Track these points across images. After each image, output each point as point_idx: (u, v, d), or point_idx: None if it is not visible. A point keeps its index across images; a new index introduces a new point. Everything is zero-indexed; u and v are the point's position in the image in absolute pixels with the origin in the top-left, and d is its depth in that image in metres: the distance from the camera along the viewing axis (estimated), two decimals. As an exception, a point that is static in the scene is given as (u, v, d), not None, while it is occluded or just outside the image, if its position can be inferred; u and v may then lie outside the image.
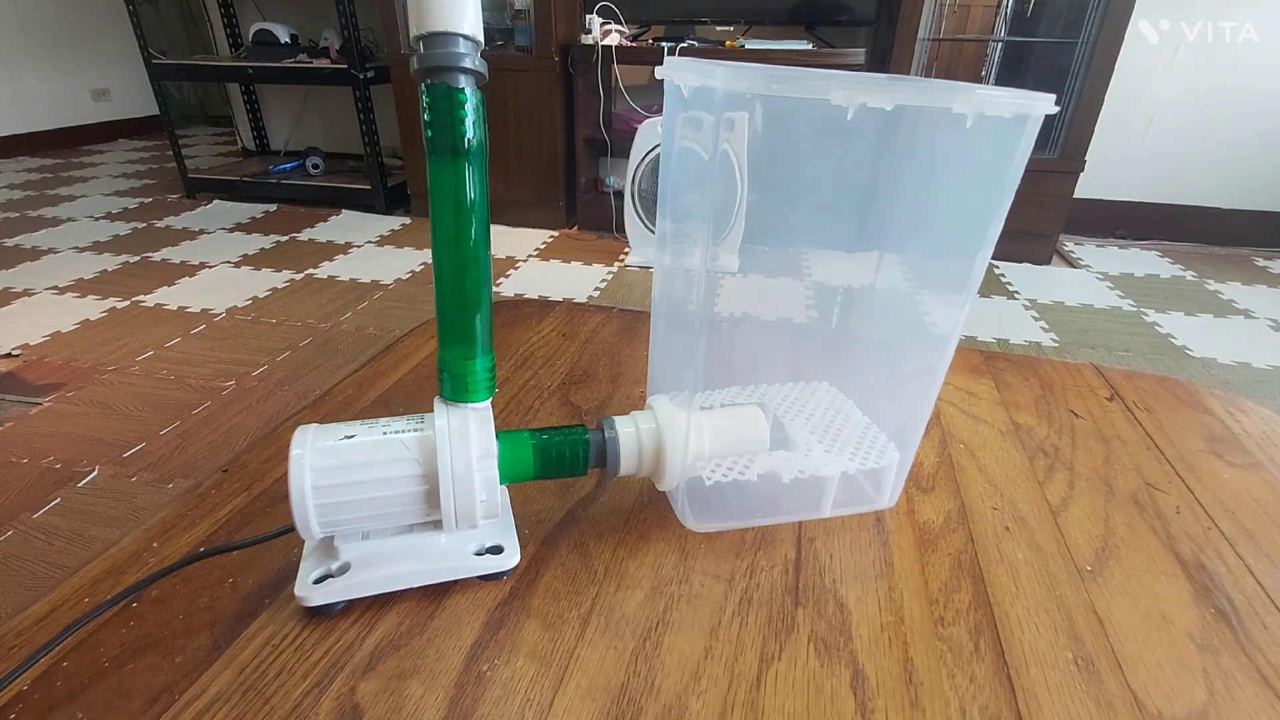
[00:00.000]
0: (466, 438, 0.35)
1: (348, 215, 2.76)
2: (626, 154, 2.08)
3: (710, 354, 0.45)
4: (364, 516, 0.35)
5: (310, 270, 2.19)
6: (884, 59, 2.25)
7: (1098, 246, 2.55)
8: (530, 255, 2.36)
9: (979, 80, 2.53)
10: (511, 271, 2.22)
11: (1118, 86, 2.15)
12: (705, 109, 0.36)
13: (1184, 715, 0.32)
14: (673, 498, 0.45)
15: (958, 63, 2.53)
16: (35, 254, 2.28)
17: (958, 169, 0.37)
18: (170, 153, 2.95)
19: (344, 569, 0.36)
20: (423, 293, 2.04)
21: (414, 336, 0.65)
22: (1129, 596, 0.39)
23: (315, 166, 2.93)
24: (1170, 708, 0.32)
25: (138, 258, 2.27)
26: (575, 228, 2.62)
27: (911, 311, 0.44)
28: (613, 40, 2.25)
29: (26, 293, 1.99)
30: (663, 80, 0.37)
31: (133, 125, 4.31)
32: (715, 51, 2.26)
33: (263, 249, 2.38)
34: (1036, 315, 1.97)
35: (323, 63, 2.63)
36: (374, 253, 2.37)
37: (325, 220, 2.69)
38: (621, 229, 2.31)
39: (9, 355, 1.65)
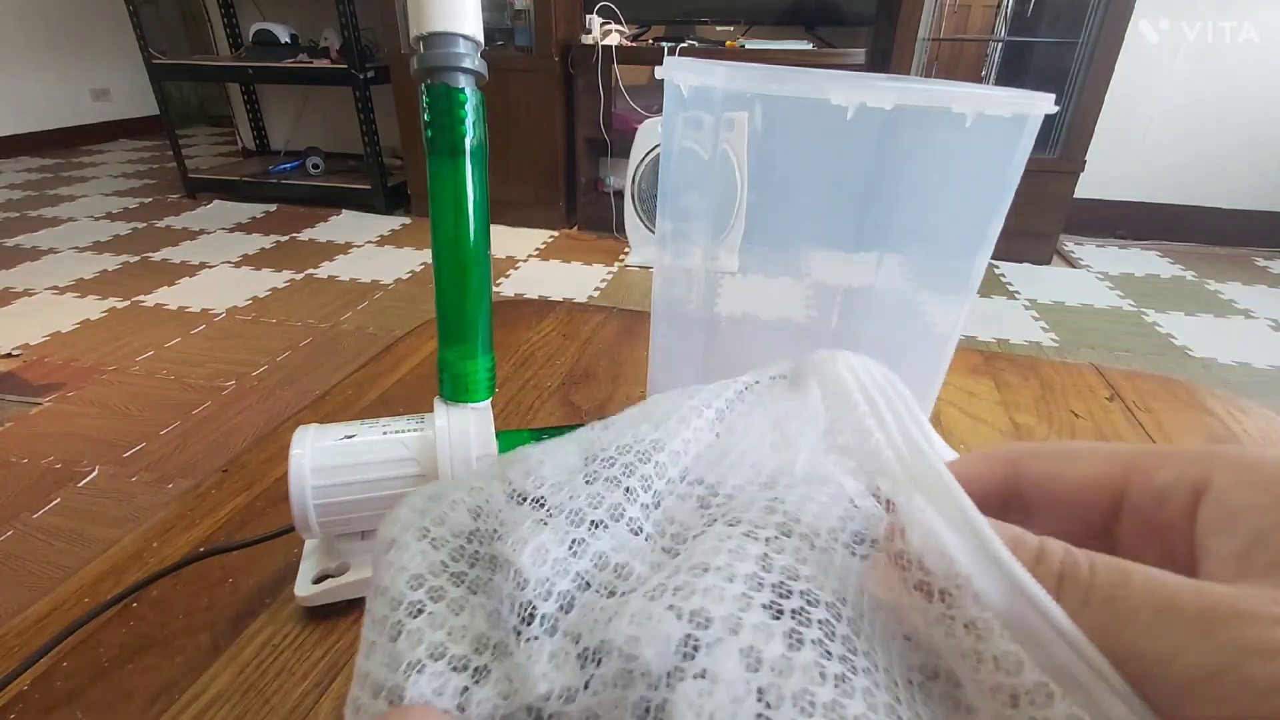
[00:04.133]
0: (466, 438, 0.35)
1: (348, 215, 2.76)
2: (626, 154, 2.08)
3: (710, 354, 0.45)
4: (364, 516, 0.35)
5: (310, 270, 2.19)
6: (884, 59, 2.25)
7: (1098, 246, 2.55)
8: (530, 255, 2.36)
9: (979, 80, 2.53)
10: (511, 271, 2.22)
11: (1118, 86, 2.15)
12: (705, 109, 0.36)
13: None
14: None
15: (958, 63, 2.53)
16: (35, 254, 2.28)
17: (957, 169, 0.37)
18: (170, 153, 2.95)
19: (344, 569, 0.36)
20: (423, 293, 2.04)
21: (414, 336, 0.65)
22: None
23: (315, 166, 2.93)
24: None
25: (138, 258, 2.27)
26: (575, 228, 2.62)
27: (911, 311, 0.44)
28: (613, 40, 2.25)
29: (26, 293, 1.99)
30: (663, 80, 0.37)
31: (133, 125, 4.31)
32: (715, 51, 2.26)
33: (263, 249, 2.38)
34: (1036, 315, 1.97)
35: (323, 63, 2.63)
36: (374, 253, 2.37)
37: (325, 220, 2.70)
38: (621, 229, 2.31)
39: (9, 355, 1.65)
